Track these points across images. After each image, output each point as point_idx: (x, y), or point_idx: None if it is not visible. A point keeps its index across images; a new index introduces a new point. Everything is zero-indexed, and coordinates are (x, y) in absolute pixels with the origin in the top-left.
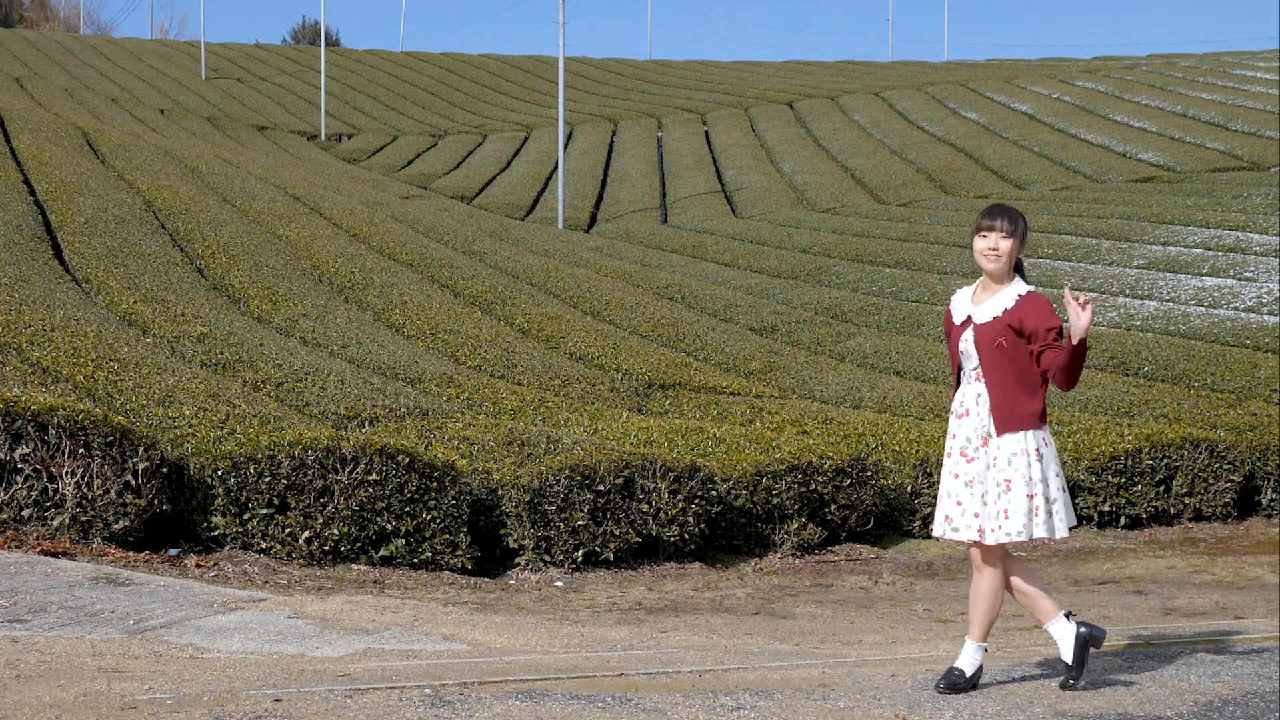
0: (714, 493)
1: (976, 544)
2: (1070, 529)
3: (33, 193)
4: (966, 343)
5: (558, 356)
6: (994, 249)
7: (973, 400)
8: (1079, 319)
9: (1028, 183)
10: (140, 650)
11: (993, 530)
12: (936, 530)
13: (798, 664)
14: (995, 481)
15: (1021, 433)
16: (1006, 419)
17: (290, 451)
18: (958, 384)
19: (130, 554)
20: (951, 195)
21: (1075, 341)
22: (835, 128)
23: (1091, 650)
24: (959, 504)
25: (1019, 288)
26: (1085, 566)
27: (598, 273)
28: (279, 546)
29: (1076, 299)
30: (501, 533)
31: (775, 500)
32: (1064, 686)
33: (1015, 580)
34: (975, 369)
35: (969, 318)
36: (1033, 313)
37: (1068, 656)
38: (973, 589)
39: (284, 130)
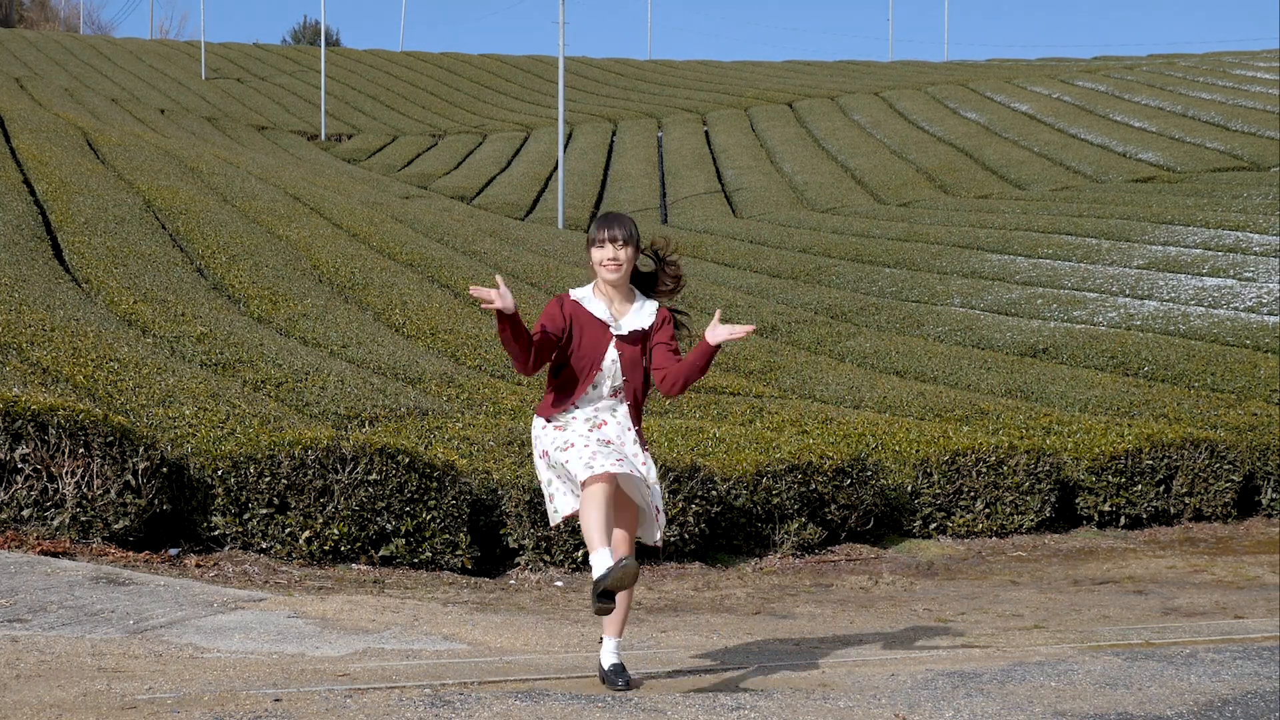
0: (714, 493)
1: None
2: None
3: (33, 193)
4: (612, 363)
5: None
6: (614, 259)
7: (608, 412)
8: (727, 332)
9: (1028, 183)
10: (140, 650)
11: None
12: (600, 467)
13: (798, 664)
14: (652, 481)
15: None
16: (639, 429)
17: (290, 451)
18: (572, 391)
19: (130, 554)
20: (951, 195)
21: (712, 344)
22: (835, 128)
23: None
24: (619, 458)
25: (649, 302)
26: (1085, 566)
27: None
28: (279, 546)
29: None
30: (501, 533)
31: (775, 500)
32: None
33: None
34: (615, 387)
35: (611, 332)
36: (668, 324)
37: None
38: (610, 506)
39: (284, 130)
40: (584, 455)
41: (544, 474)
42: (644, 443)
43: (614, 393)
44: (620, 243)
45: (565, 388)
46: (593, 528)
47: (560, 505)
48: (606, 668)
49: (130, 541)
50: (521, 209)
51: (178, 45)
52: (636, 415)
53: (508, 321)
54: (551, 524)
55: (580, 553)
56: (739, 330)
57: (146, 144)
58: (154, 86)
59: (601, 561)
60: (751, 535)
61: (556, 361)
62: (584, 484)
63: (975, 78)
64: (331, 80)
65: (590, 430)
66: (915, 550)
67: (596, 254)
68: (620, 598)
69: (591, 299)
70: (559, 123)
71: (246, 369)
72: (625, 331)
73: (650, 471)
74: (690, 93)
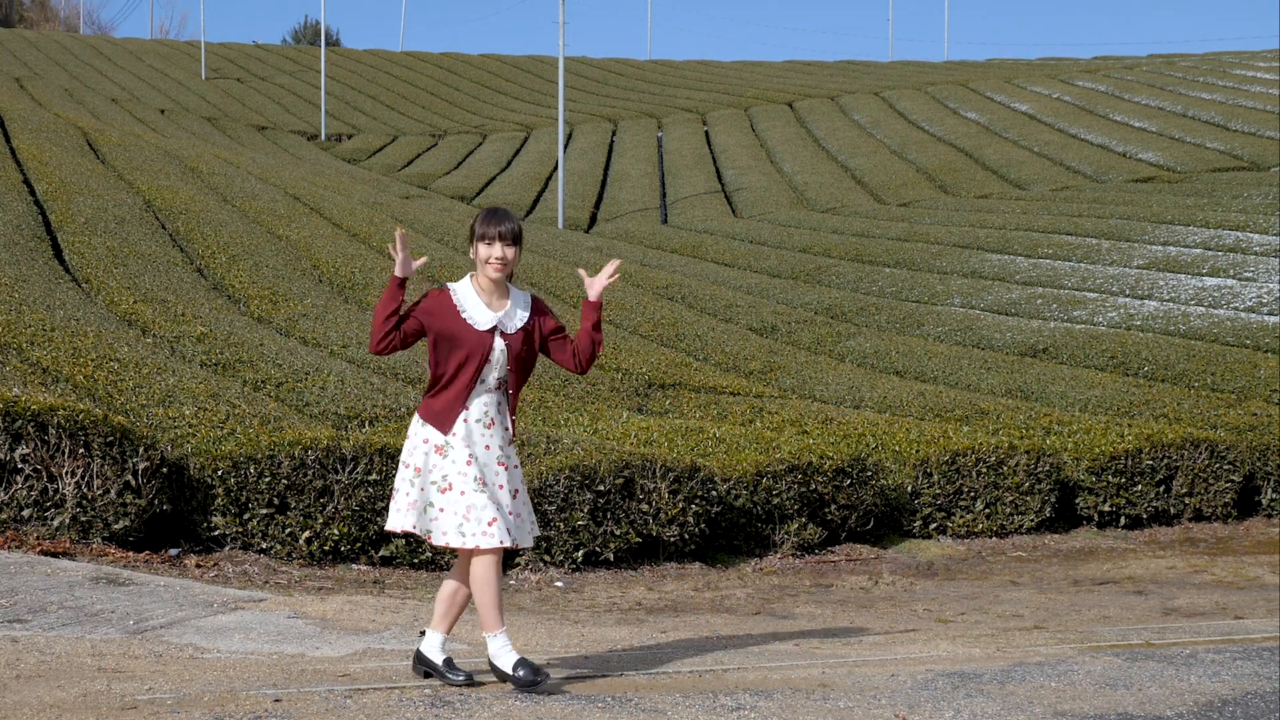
0: (714, 493)
1: (503, 549)
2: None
3: (33, 193)
4: (499, 353)
5: None
6: (502, 258)
7: (495, 409)
8: (602, 280)
9: (1028, 183)
10: (140, 650)
11: (531, 533)
12: (506, 541)
13: (798, 664)
14: (521, 482)
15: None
16: (514, 424)
17: (290, 451)
18: (462, 386)
19: (130, 554)
20: (951, 195)
21: (594, 300)
22: (835, 128)
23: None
24: (513, 515)
25: (522, 292)
26: (1085, 566)
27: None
28: (279, 546)
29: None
30: None
31: (775, 500)
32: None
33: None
34: (500, 378)
35: (496, 327)
36: (547, 314)
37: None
38: (462, 590)
39: (284, 130)
40: (458, 512)
41: (401, 481)
42: (514, 433)
43: (499, 384)
44: (509, 241)
45: (453, 383)
46: (487, 606)
47: (395, 520)
48: (509, 669)
49: (130, 541)
50: (521, 209)
51: (178, 45)
52: (514, 406)
53: (397, 287)
54: (388, 526)
55: (580, 553)
56: (606, 273)
57: (146, 144)
58: (154, 86)
59: (504, 652)
60: (751, 535)
61: (441, 356)
62: (460, 551)
63: (975, 78)
64: (331, 80)
65: (469, 460)
66: (915, 550)
67: (484, 250)
68: (463, 599)
69: (472, 295)
70: (559, 123)
71: (246, 369)
72: (510, 326)
73: (517, 475)
74: (690, 93)
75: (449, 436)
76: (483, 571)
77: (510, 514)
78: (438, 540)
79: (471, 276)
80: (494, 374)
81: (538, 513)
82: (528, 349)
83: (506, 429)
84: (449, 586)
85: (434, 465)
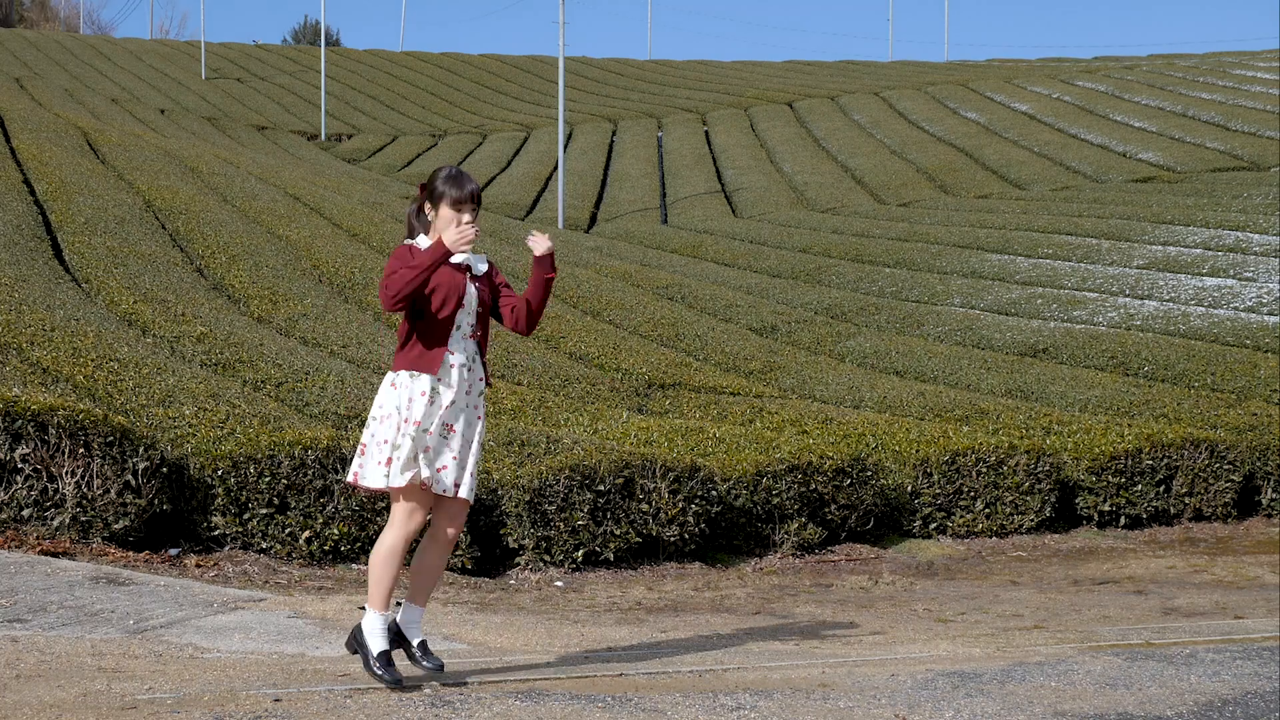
0: (714, 493)
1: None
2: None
3: (33, 193)
4: (472, 297)
5: (558, 356)
6: (471, 224)
7: (473, 356)
8: (542, 242)
9: (1028, 183)
10: (140, 650)
11: (470, 485)
12: (459, 491)
13: (798, 664)
14: (479, 432)
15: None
16: (488, 373)
17: (290, 451)
18: (440, 333)
19: (130, 554)
20: (951, 195)
21: (542, 259)
22: (835, 128)
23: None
24: (454, 458)
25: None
26: (1085, 566)
27: (598, 273)
28: (279, 546)
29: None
30: (501, 533)
31: (775, 500)
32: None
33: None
34: (473, 325)
35: (467, 269)
36: (496, 269)
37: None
38: (431, 555)
39: (284, 130)
40: (425, 452)
41: (387, 432)
42: (489, 379)
43: (472, 331)
44: (476, 206)
45: (431, 330)
46: (381, 582)
47: (398, 476)
48: (415, 645)
49: (130, 541)
50: (521, 209)
51: (178, 45)
52: (484, 354)
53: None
54: (378, 483)
55: (580, 553)
56: (540, 237)
57: (146, 144)
58: (154, 86)
59: (377, 635)
60: (751, 535)
61: (418, 303)
62: (398, 504)
63: (975, 78)
64: (331, 80)
65: (450, 404)
66: (915, 550)
67: (449, 213)
68: (434, 566)
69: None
70: (559, 123)
71: (246, 369)
72: (477, 272)
73: (481, 426)
74: (690, 93)
75: (436, 380)
76: (399, 546)
77: (465, 468)
78: (440, 487)
79: (428, 236)
80: (468, 319)
81: (537, 512)
82: (492, 297)
83: (481, 378)
84: (416, 555)
85: (427, 414)
